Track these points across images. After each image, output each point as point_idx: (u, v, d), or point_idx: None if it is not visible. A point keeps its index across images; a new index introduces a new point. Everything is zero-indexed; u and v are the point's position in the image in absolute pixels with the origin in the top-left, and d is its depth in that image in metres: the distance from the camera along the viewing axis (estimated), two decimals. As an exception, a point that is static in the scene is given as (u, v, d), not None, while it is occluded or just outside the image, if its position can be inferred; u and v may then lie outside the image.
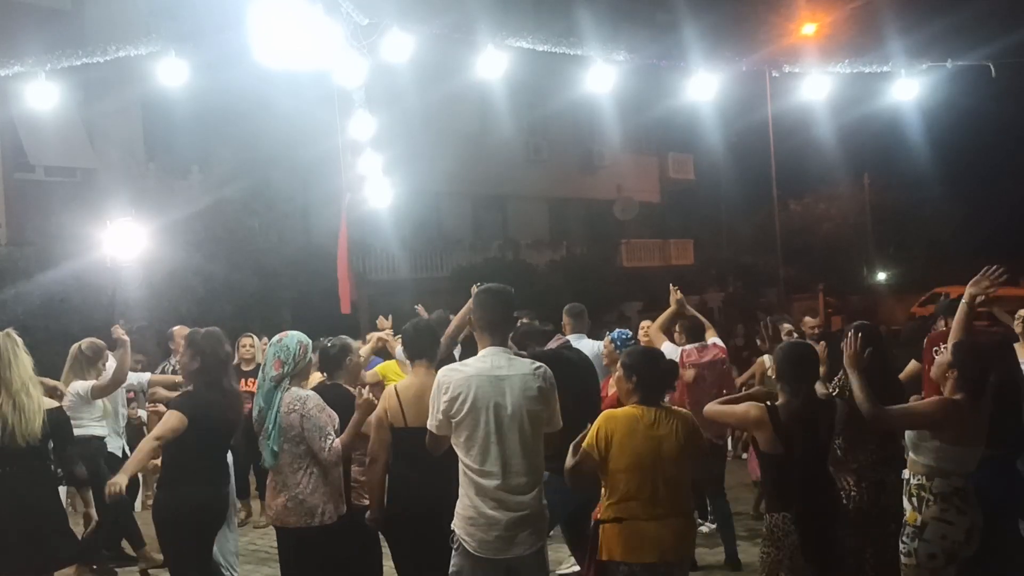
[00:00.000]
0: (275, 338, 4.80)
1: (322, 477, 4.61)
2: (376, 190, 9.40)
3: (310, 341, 4.81)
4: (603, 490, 4.08)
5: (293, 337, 4.74)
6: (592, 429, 4.05)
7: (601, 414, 4.12)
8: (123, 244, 9.56)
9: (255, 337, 8.72)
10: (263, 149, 16.58)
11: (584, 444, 4.02)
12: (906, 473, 4.37)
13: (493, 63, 7.04)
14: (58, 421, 5.02)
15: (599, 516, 4.10)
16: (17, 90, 7.29)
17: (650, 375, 4.13)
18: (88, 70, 7.09)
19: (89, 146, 16.87)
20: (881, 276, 37.33)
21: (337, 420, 4.69)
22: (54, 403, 5.18)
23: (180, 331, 7.86)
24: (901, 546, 4.27)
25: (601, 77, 7.48)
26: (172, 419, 4.72)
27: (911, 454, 4.34)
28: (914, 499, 4.25)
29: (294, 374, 4.67)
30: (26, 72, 6.82)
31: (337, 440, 4.58)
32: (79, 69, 6.93)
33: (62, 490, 8.67)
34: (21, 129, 15.36)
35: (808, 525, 4.09)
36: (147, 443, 4.83)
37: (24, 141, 15.69)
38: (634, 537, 3.96)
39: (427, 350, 4.77)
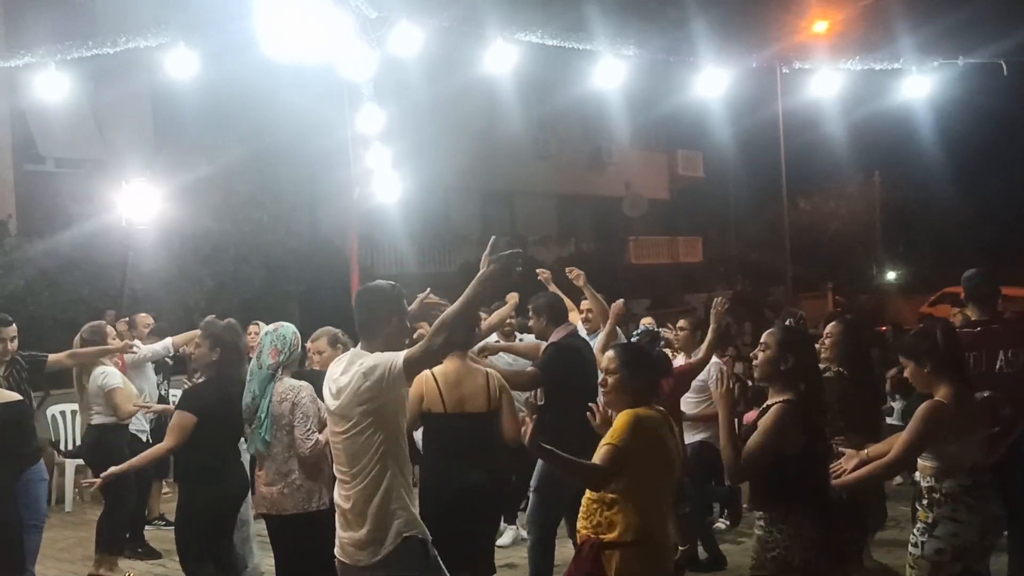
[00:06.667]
0: (270, 327, 4.86)
1: (315, 464, 4.61)
2: (384, 184, 9.42)
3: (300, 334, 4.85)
4: (615, 506, 3.61)
5: (289, 328, 4.82)
6: (625, 430, 3.58)
7: (629, 413, 3.66)
8: (138, 208, 9.64)
9: (261, 324, 8.73)
10: (271, 142, 16.58)
11: (621, 445, 3.54)
12: (917, 476, 4.27)
13: (502, 57, 7.05)
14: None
15: (614, 537, 3.58)
16: (27, 80, 7.32)
17: (644, 368, 3.79)
18: (98, 61, 7.11)
19: (99, 137, 16.89)
20: (891, 275, 37.16)
21: None
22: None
23: (143, 319, 7.83)
24: (911, 538, 4.21)
25: (610, 72, 7.48)
26: (180, 420, 4.76)
27: (919, 456, 4.17)
28: (924, 500, 4.17)
29: (287, 364, 4.71)
30: (36, 62, 6.86)
31: (319, 436, 4.54)
32: (89, 60, 6.95)
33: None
34: (31, 120, 15.40)
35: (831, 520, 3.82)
36: (158, 450, 4.93)
37: (34, 132, 15.74)
38: (660, 560, 3.65)
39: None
